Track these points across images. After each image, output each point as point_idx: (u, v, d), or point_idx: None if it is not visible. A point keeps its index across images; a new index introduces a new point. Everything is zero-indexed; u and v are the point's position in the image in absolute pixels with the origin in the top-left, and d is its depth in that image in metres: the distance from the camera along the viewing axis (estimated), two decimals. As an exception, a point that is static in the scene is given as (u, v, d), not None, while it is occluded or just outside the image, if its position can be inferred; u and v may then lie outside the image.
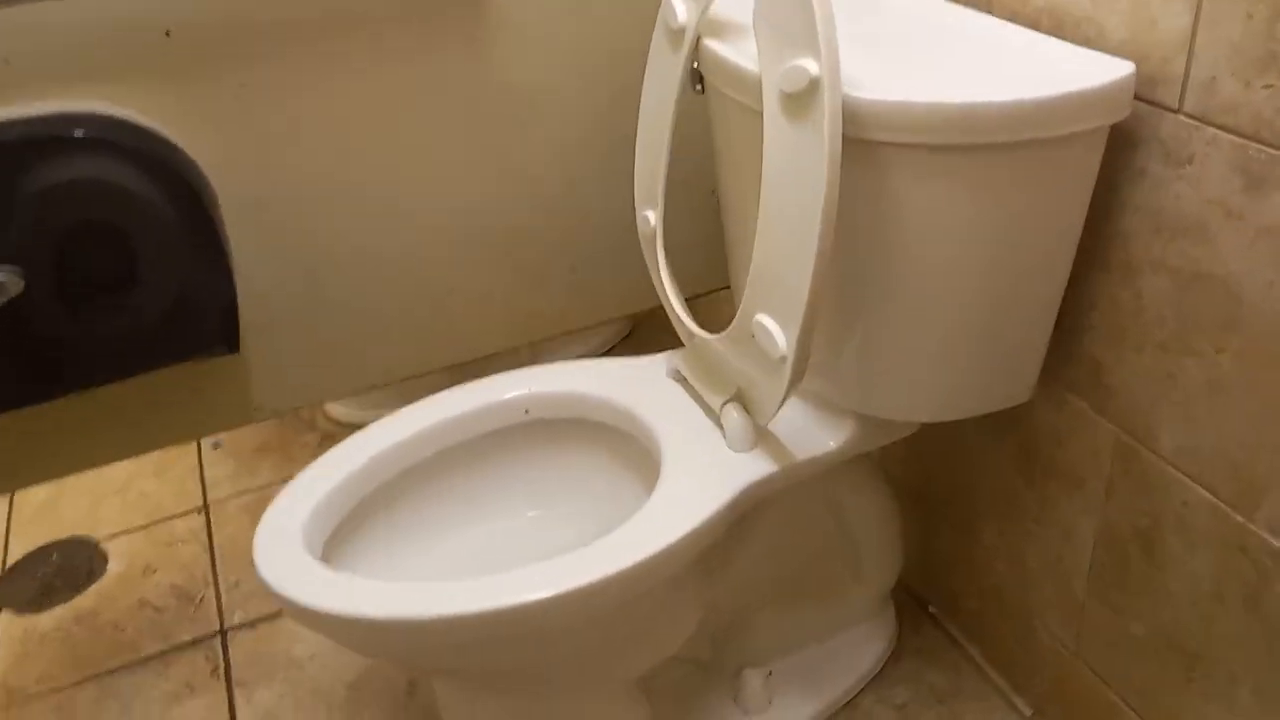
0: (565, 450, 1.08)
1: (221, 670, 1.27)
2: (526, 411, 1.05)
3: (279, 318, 1.14)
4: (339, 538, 0.95)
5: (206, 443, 1.68)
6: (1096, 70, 0.73)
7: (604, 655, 0.95)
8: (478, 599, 0.81)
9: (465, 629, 0.80)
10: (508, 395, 1.05)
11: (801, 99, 0.73)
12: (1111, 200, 0.81)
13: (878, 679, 1.17)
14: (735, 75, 0.83)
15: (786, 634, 1.16)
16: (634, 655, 0.98)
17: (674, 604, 0.96)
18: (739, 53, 0.84)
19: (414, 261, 1.20)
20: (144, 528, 1.51)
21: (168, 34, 0.96)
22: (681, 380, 1.03)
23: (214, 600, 1.38)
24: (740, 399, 0.95)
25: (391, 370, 1.25)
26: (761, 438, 0.95)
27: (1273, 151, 0.67)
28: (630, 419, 1.01)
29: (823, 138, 0.71)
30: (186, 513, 1.54)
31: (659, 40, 0.95)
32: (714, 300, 1.40)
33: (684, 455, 0.94)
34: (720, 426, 0.96)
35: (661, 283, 1.02)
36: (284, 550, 0.88)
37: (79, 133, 0.92)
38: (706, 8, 0.88)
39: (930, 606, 1.25)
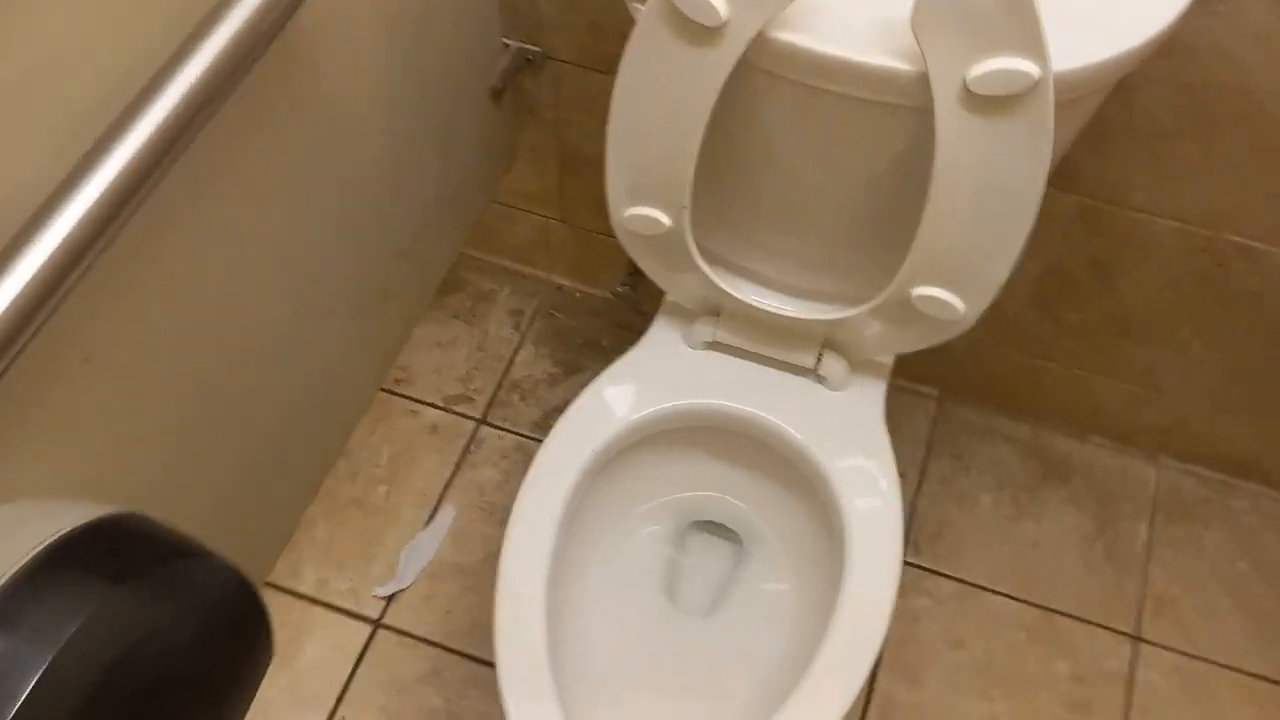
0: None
1: None
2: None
3: None
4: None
5: None
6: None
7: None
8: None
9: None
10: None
11: (1008, 100, 0.69)
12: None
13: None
14: (834, 66, 0.72)
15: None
16: None
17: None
18: (832, 42, 0.71)
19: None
20: None
21: None
22: (722, 348, 0.96)
23: None
24: (828, 345, 0.94)
25: None
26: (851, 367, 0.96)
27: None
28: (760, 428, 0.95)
29: (1037, 138, 0.71)
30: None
31: (667, 37, 0.73)
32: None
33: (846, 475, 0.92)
34: (817, 377, 0.95)
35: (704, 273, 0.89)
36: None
37: None
38: (779, 10, 0.70)
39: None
